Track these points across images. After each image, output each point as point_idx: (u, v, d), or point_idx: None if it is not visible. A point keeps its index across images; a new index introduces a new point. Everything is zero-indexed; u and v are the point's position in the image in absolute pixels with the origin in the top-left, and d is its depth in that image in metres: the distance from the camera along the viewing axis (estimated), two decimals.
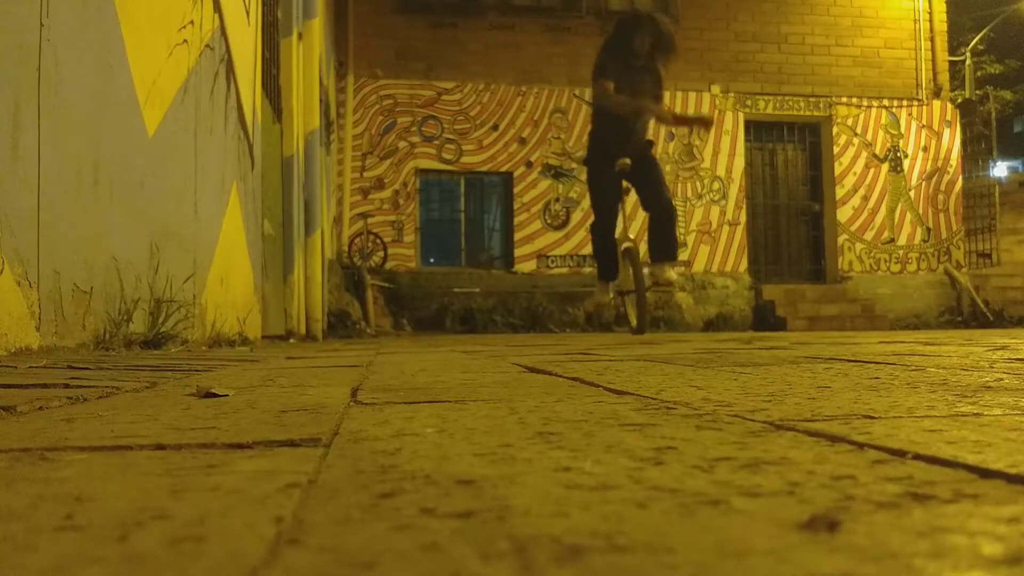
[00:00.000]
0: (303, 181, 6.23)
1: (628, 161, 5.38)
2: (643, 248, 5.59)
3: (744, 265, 10.82)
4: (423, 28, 10.32)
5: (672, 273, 5.36)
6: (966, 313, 10.93)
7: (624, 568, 0.36)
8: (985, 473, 0.55)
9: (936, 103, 11.36)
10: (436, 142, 10.29)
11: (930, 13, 11.42)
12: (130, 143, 2.48)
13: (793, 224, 11.34)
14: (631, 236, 5.59)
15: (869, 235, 11.13)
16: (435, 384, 1.40)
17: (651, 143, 5.73)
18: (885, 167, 11.23)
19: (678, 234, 10.56)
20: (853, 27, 11.25)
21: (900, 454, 0.63)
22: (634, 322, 5.45)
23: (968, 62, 12.53)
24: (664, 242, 5.40)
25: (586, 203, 10.61)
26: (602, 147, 5.51)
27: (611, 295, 5.78)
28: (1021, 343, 3.12)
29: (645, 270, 5.38)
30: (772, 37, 11.09)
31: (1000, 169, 16.62)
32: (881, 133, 11.25)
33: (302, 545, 0.40)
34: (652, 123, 5.74)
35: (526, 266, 10.38)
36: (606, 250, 5.61)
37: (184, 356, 2.33)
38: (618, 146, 5.42)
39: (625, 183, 5.52)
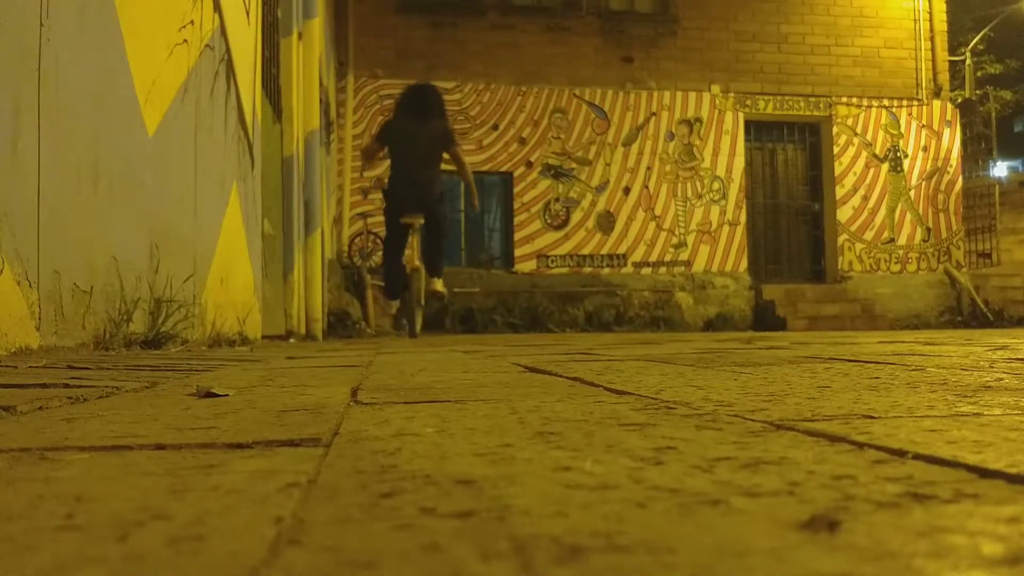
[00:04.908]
0: (303, 181, 6.23)
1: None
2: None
3: (744, 265, 10.81)
4: (423, 28, 10.31)
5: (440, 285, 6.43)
6: (966, 313, 10.93)
7: (624, 568, 0.36)
8: (985, 473, 0.55)
9: (936, 103, 11.36)
10: None
11: (930, 13, 11.41)
12: (130, 143, 2.47)
13: (793, 224, 11.34)
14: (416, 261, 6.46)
15: (869, 235, 11.13)
16: (435, 384, 1.40)
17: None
18: (885, 167, 11.23)
19: (679, 234, 10.67)
20: (853, 27, 11.25)
21: (900, 454, 0.63)
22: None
23: (968, 62, 12.52)
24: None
25: (587, 203, 10.66)
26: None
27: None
28: (1021, 343, 3.12)
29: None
30: (772, 37, 11.08)
31: (1000, 169, 16.63)
32: (881, 133, 11.25)
33: (302, 545, 0.40)
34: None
35: (526, 266, 10.38)
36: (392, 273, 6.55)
37: (184, 356, 2.33)
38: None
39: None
